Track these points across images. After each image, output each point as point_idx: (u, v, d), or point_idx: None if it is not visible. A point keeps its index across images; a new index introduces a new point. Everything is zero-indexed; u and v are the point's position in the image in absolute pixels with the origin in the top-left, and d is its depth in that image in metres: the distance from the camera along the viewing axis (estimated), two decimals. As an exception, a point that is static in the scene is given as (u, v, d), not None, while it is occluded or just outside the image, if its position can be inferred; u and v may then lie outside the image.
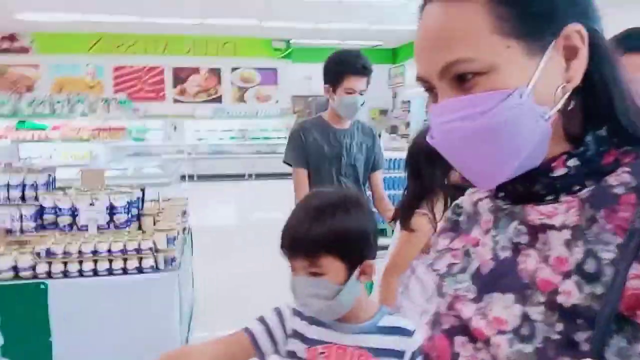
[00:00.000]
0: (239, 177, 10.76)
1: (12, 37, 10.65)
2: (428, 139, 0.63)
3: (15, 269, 2.63)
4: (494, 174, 0.60)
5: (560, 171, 0.59)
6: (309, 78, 11.57)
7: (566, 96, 0.58)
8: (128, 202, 2.87)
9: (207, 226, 5.69)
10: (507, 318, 0.57)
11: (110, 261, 2.62)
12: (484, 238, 0.66)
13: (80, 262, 2.61)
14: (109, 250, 2.62)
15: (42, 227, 2.90)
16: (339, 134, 2.45)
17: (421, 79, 0.63)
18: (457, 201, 0.76)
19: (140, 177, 5.65)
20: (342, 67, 2.35)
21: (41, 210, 2.91)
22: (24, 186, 3.02)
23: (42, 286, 2.63)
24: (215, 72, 11.53)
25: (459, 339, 0.62)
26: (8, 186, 3.01)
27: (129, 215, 2.89)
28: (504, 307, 0.58)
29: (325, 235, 1.01)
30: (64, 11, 8.57)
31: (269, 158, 10.77)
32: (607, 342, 0.49)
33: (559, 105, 0.58)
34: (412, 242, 1.79)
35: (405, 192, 1.88)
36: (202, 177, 10.33)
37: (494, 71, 0.56)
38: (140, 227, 3.00)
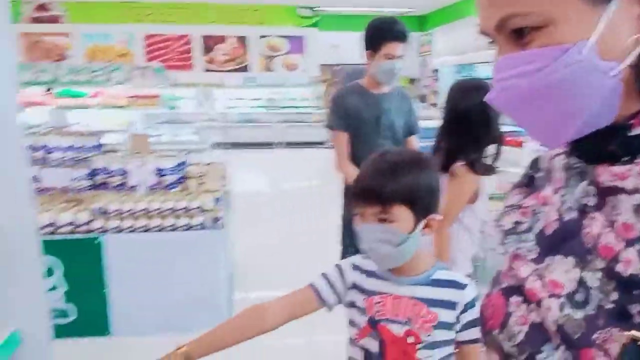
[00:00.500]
0: (268, 145, 10.89)
1: (44, 7, 10.83)
2: (487, 96, 0.60)
3: (73, 224, 2.83)
4: (556, 134, 0.56)
5: (638, 130, 0.54)
6: (336, 46, 11.49)
7: None
8: (176, 165, 3.02)
9: (239, 192, 5.86)
10: (564, 282, 0.55)
11: (161, 219, 2.79)
12: (553, 197, 0.63)
13: (134, 219, 2.79)
14: (160, 209, 2.78)
15: (94, 187, 3.09)
16: (377, 98, 2.52)
17: (483, 33, 0.60)
18: (537, 156, 0.73)
19: (176, 143, 5.82)
20: (381, 33, 2.40)
21: (93, 172, 3.09)
22: (76, 149, 3.20)
23: (96, 241, 2.83)
24: (242, 41, 11.54)
25: (514, 299, 0.62)
26: (61, 149, 3.20)
27: (176, 177, 3.05)
28: (564, 271, 0.56)
29: (401, 186, 1.10)
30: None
31: (298, 127, 10.85)
32: None
33: (631, 59, 0.52)
34: (458, 194, 1.88)
35: (448, 140, 1.96)
36: (233, 145, 10.50)
37: (552, 25, 0.52)
38: (185, 189, 3.16)
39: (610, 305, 0.51)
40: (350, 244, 2.47)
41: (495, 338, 0.63)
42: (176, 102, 9.86)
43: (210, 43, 11.38)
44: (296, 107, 11.21)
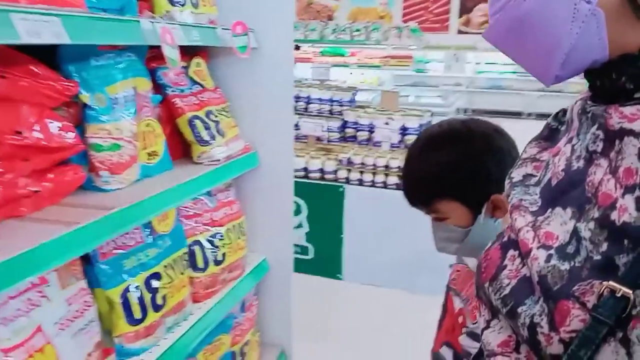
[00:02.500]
0: (517, 115, 10.08)
1: (319, -29, 11.88)
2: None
3: (321, 171, 3.09)
4: (545, 67, 0.54)
5: None
6: None
7: None
8: (419, 125, 2.99)
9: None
10: (558, 234, 0.53)
11: (398, 177, 2.83)
12: (565, 147, 0.59)
13: (373, 174, 2.89)
14: (399, 167, 2.81)
15: (343, 139, 3.30)
16: None
17: None
18: (565, 107, 0.67)
19: (421, 105, 5.82)
20: None
21: (344, 124, 3.30)
22: (332, 102, 3.45)
23: (340, 189, 3.04)
24: None
25: (511, 253, 0.59)
26: (319, 101, 3.49)
27: (418, 138, 3.03)
28: (561, 223, 0.54)
29: (427, 183, 0.97)
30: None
31: (553, 97, 9.72)
32: None
33: None
34: None
35: None
36: (477, 112, 10.05)
37: None
38: (425, 151, 3.13)
39: (597, 257, 0.49)
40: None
41: (486, 291, 0.60)
42: (425, 65, 9.83)
43: (469, 4, 10.89)
44: (557, 75, 10.01)
